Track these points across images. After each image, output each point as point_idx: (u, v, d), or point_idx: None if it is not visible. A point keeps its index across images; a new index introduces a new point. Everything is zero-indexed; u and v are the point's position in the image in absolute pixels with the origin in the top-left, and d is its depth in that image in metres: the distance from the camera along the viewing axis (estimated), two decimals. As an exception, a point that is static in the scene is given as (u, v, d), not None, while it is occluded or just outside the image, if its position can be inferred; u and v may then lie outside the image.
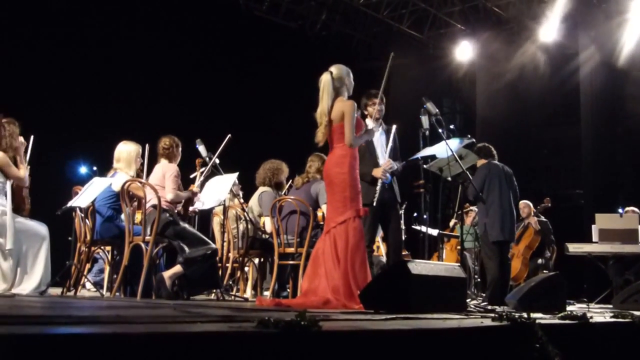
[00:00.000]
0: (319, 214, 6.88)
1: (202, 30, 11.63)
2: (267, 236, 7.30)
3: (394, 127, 6.50)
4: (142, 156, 6.84)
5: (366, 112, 6.41)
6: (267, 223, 7.21)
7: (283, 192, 7.67)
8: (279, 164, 7.63)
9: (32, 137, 6.54)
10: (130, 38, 10.51)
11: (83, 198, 6.30)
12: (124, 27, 10.54)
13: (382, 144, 6.42)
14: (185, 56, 11.29)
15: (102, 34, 10.26)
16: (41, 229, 6.14)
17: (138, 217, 6.78)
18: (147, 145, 6.86)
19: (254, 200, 7.61)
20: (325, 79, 5.45)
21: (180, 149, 6.68)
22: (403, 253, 9.14)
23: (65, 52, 9.81)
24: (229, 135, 6.92)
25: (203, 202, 6.79)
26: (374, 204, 6.09)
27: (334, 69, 5.50)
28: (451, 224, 10.48)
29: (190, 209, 6.81)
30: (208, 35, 11.70)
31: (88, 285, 7.62)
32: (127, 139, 6.81)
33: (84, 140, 9.49)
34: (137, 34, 10.60)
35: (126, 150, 6.71)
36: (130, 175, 6.62)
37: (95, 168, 8.28)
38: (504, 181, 7.81)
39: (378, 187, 6.16)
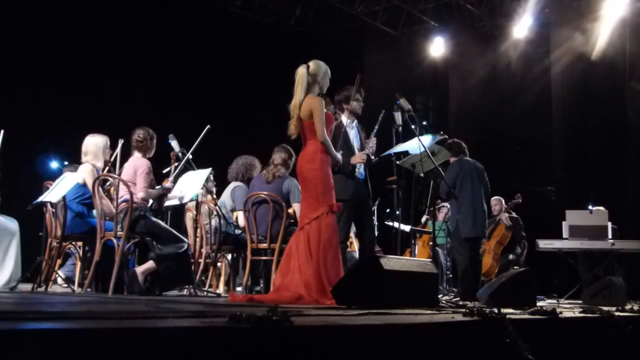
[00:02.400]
0: (290, 211, 6.87)
1: (175, 25, 11.55)
2: (240, 231, 7.28)
3: (383, 112, 6.58)
4: (115, 151, 6.78)
5: (346, 106, 6.43)
6: (240, 217, 7.20)
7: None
8: (251, 159, 7.62)
9: (1, 132, 6.48)
10: (101, 31, 10.41)
11: (54, 193, 6.24)
12: (95, 19, 10.43)
13: (357, 139, 6.47)
14: (159, 50, 11.21)
15: (72, 26, 10.14)
16: (11, 224, 6.08)
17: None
18: (120, 141, 6.80)
19: (226, 195, 7.59)
20: (300, 72, 5.46)
21: (154, 141, 6.57)
22: (376, 249, 9.20)
23: (35, 45, 9.69)
24: (208, 126, 6.89)
25: (184, 195, 6.73)
26: (350, 199, 6.13)
27: (311, 64, 5.50)
28: (423, 219, 10.53)
29: (167, 203, 6.76)
30: (181, 30, 11.63)
31: (60, 280, 7.55)
32: (96, 134, 6.71)
33: (55, 134, 9.39)
34: (108, 27, 10.50)
35: (93, 142, 6.58)
36: (97, 166, 6.55)
37: (66, 163, 8.20)
38: (475, 178, 7.88)
39: (359, 172, 6.21)
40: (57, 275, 7.27)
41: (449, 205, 10.07)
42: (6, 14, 9.52)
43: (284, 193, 6.86)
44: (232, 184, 7.57)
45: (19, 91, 9.51)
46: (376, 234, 9.28)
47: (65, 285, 7.14)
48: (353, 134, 6.46)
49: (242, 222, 7.13)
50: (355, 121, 6.54)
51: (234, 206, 7.43)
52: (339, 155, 5.78)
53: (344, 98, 6.44)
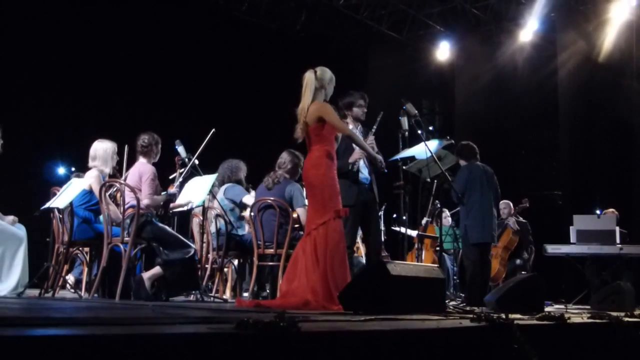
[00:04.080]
0: (294, 215, 6.85)
1: (181, 31, 11.58)
2: (245, 232, 7.26)
3: (381, 113, 6.55)
4: (122, 157, 6.79)
5: (349, 112, 6.43)
6: (248, 200, 7.23)
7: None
8: (237, 162, 7.57)
9: None
10: (108, 37, 10.45)
11: (61, 199, 6.26)
12: (102, 26, 10.48)
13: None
14: (164, 56, 11.23)
15: (79, 32, 10.18)
16: (19, 230, 6.09)
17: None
18: (126, 147, 6.80)
19: (219, 198, 7.48)
20: (308, 76, 5.46)
21: (159, 146, 6.57)
22: (382, 254, 9.17)
23: (43, 52, 9.73)
24: (213, 130, 6.89)
25: (191, 202, 6.72)
26: (354, 204, 6.11)
27: (319, 70, 5.50)
28: (423, 222, 10.46)
29: (172, 205, 6.76)
30: (187, 35, 11.66)
31: (69, 285, 7.53)
32: (105, 139, 6.73)
33: (62, 140, 9.42)
34: (115, 33, 10.54)
35: (102, 148, 6.60)
36: (105, 172, 6.56)
37: (73, 169, 8.22)
38: (485, 182, 7.83)
39: (357, 167, 6.19)
40: (67, 282, 7.29)
41: (447, 211, 10.06)
42: (14, 23, 9.57)
43: (287, 198, 6.83)
44: (224, 186, 7.51)
45: (25, 98, 9.53)
46: (383, 239, 9.28)
47: (73, 290, 7.15)
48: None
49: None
50: (360, 126, 6.53)
51: (232, 206, 7.36)
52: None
53: (347, 104, 6.44)
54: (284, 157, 7.04)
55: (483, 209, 7.73)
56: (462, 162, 7.96)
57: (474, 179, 7.79)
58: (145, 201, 6.19)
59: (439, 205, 9.60)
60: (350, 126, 6.41)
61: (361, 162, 6.35)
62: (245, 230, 7.38)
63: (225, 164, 7.57)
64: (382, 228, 9.50)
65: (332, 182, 5.39)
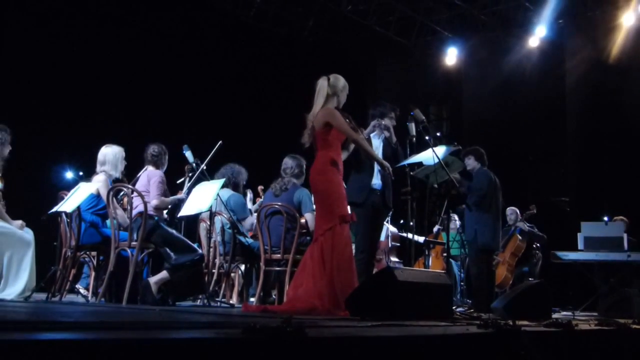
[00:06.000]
0: (302, 221, 6.83)
1: (189, 37, 11.61)
2: (251, 240, 7.26)
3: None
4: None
5: (379, 121, 6.44)
6: (247, 223, 7.23)
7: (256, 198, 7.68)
8: (240, 168, 7.56)
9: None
10: (117, 43, 10.47)
11: (69, 203, 6.27)
12: (112, 32, 10.51)
13: (380, 151, 6.47)
14: (172, 62, 11.25)
15: (88, 38, 10.21)
16: (26, 234, 6.10)
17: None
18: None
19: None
20: (321, 83, 5.49)
21: (167, 156, 6.67)
22: (396, 260, 9.17)
23: (52, 57, 9.76)
24: (220, 142, 6.91)
25: (199, 207, 6.71)
26: (363, 203, 6.13)
27: (332, 77, 5.52)
28: (435, 229, 10.44)
29: (180, 214, 6.76)
30: (195, 41, 11.68)
31: (83, 291, 7.51)
32: (113, 144, 6.75)
33: (70, 145, 9.43)
34: (124, 40, 10.57)
35: (111, 152, 6.65)
36: (114, 176, 6.60)
37: (81, 173, 8.23)
38: (495, 188, 7.81)
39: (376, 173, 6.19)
40: (79, 291, 7.29)
41: (457, 217, 10.02)
42: (24, 29, 9.61)
43: (295, 204, 6.81)
44: (222, 192, 7.43)
45: (34, 102, 9.55)
46: (395, 244, 9.29)
47: (84, 293, 7.15)
48: (377, 144, 6.46)
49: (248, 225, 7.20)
50: (383, 135, 6.54)
51: (236, 216, 7.31)
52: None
53: (379, 113, 6.50)
54: (288, 163, 7.02)
55: (494, 215, 7.70)
56: (474, 164, 7.87)
57: (490, 183, 7.77)
58: (154, 202, 6.24)
59: (452, 214, 9.61)
60: (372, 132, 6.42)
61: (375, 170, 6.36)
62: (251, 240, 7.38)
63: (229, 165, 7.54)
64: (389, 234, 9.51)
65: (337, 187, 5.40)
